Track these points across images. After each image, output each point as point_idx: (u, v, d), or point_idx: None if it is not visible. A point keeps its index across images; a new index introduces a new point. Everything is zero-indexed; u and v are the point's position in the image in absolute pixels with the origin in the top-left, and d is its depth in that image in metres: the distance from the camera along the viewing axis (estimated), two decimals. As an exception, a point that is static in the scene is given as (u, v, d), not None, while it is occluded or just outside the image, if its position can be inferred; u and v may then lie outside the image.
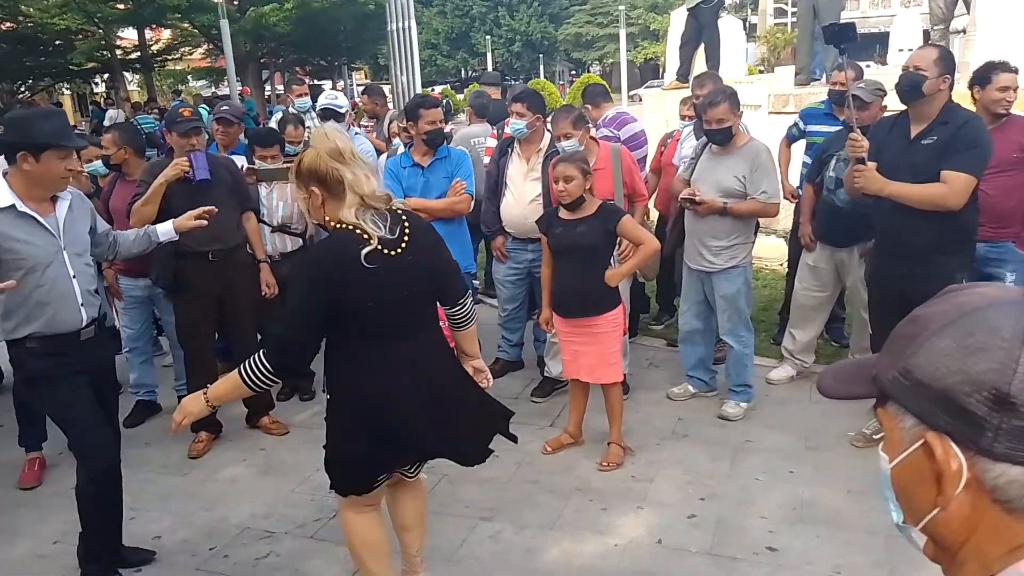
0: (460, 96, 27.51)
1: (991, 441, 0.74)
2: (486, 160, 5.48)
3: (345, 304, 2.40)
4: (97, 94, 31.86)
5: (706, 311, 4.57)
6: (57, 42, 23.94)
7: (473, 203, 4.79)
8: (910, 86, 3.54)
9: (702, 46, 8.89)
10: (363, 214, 2.41)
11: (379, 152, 6.04)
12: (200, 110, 15.10)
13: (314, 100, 6.75)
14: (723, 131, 4.19)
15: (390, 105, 8.08)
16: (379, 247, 2.39)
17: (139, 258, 4.42)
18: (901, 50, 9.00)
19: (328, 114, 5.31)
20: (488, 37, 41.78)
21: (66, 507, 3.86)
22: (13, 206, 2.97)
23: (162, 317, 4.86)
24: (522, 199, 4.75)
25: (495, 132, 6.36)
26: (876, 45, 9.34)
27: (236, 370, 2.44)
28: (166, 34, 27.48)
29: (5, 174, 3.02)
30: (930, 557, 0.86)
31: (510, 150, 4.86)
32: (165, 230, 3.52)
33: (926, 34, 8.78)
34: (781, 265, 6.98)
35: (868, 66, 8.60)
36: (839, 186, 4.28)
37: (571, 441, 4.21)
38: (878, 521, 3.37)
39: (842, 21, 4.21)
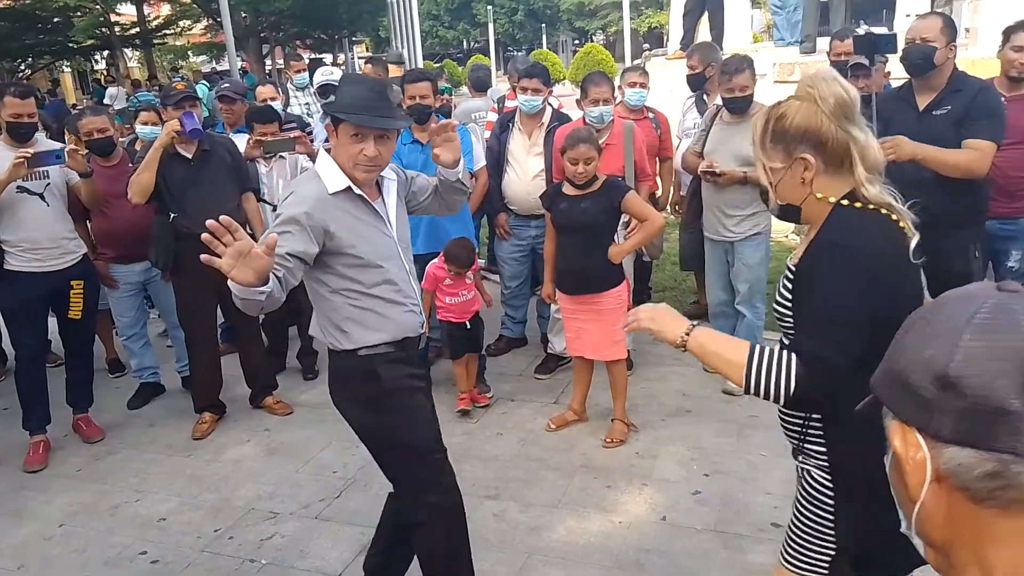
0: (462, 68, 27.25)
1: (939, 423, 0.74)
2: (487, 135, 5.41)
3: (891, 313, 1.54)
4: (98, 71, 31.66)
5: (732, 282, 4.54)
6: (56, 19, 23.71)
7: (475, 179, 4.73)
8: (922, 58, 3.44)
9: (706, 14, 8.75)
10: (884, 191, 1.79)
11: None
12: (201, 86, 14.98)
13: (313, 75, 6.68)
14: (746, 98, 4.13)
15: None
16: (915, 236, 1.77)
17: (134, 242, 4.40)
18: (908, 15, 8.82)
19: (327, 91, 5.23)
20: (489, 7, 41.17)
21: (71, 488, 3.91)
22: (349, 188, 2.43)
23: (156, 300, 4.82)
24: (525, 175, 4.70)
25: (495, 106, 6.29)
26: (883, 11, 9.18)
27: (749, 349, 1.75)
28: (165, 9, 27.25)
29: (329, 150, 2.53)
30: (935, 567, 0.84)
31: (511, 125, 4.79)
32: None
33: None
34: (787, 237, 6.92)
35: (866, 30, 8.41)
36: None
37: (575, 418, 4.20)
38: (884, 496, 3.36)
39: (880, 30, 3.87)
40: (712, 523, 3.31)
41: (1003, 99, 3.60)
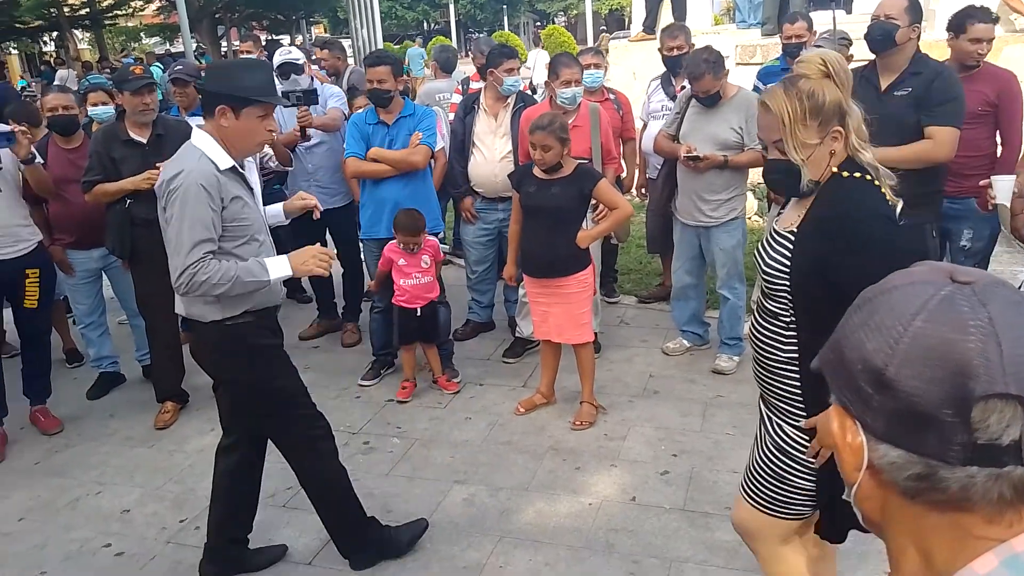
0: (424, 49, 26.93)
1: (874, 420, 0.75)
2: (451, 117, 5.35)
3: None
4: (46, 53, 30.76)
5: (698, 266, 4.55)
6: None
7: (435, 160, 4.70)
8: (883, 35, 3.48)
9: (668, -4, 8.75)
10: (874, 158, 1.97)
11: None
12: (154, 69, 14.62)
13: (270, 57, 6.53)
14: (712, 96, 4.15)
15: (350, 60, 7.88)
16: (899, 202, 1.95)
17: (92, 227, 4.28)
18: (867, -2, 8.93)
19: (287, 69, 5.12)
20: (450, -12, 40.75)
21: (28, 482, 3.81)
22: (234, 167, 2.62)
23: (115, 287, 4.69)
24: (492, 157, 4.65)
25: (459, 88, 6.23)
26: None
27: None
28: (116, -12, 26.50)
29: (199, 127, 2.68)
30: (877, 533, 0.85)
31: (476, 107, 4.75)
32: (274, 212, 3.09)
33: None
34: (750, 219, 6.98)
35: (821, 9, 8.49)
36: (807, 139, 4.24)
37: (543, 401, 4.20)
38: (847, 473, 3.42)
39: (840, 12, 3.85)
40: (680, 502, 3.34)
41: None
